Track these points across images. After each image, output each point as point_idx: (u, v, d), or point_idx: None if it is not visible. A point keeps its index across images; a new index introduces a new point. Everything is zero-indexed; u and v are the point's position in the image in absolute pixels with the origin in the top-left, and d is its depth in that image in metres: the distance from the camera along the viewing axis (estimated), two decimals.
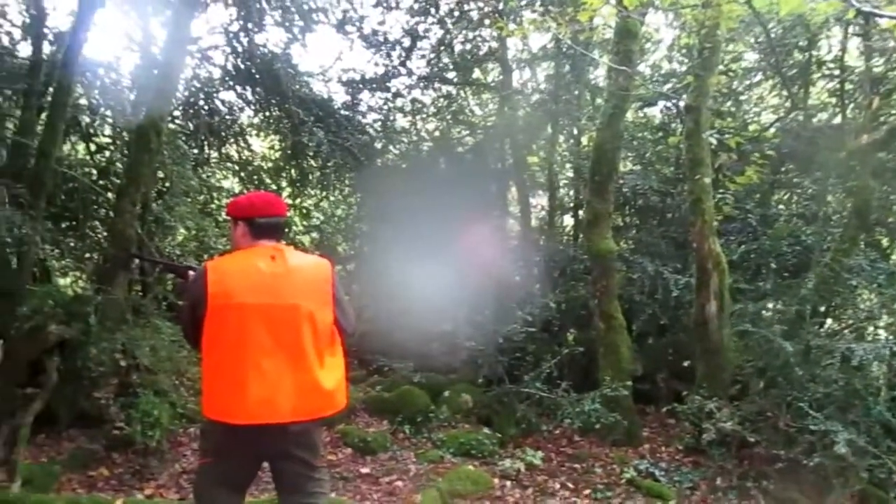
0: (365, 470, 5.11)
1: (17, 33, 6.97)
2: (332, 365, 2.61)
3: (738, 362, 5.72)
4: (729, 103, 8.42)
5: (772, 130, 8.10)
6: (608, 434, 5.82)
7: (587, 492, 4.94)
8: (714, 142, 6.28)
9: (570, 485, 5.08)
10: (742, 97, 8.65)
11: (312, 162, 9.24)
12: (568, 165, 9.83)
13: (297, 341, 2.48)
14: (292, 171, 9.50)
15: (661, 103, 8.52)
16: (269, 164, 9.86)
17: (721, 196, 6.31)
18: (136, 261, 5.64)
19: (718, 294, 5.69)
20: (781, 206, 8.06)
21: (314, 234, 10.11)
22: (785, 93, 7.96)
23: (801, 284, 5.85)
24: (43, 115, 5.88)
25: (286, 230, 2.61)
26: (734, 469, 5.03)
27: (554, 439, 6.09)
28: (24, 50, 6.84)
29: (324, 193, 9.94)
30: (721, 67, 7.07)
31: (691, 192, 5.93)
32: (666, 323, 6.82)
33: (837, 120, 7.52)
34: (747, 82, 8.63)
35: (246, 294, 2.46)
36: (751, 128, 7.95)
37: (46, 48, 6.59)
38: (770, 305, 6.24)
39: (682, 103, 6.50)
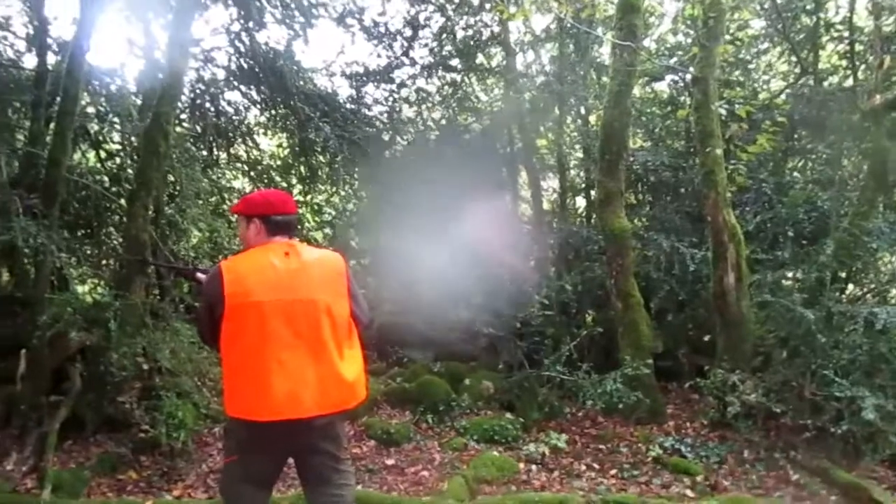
0: (390, 461, 5.12)
1: (22, 45, 7.03)
2: (352, 357, 2.62)
3: (759, 333, 5.66)
4: (737, 72, 8.32)
5: (782, 97, 8.00)
6: (632, 413, 5.79)
7: (613, 472, 4.92)
8: (724, 112, 6.21)
9: (596, 465, 5.06)
10: (750, 65, 8.54)
11: (321, 157, 9.24)
12: (577, 146, 9.76)
13: (317, 335, 2.49)
14: (301, 167, 9.52)
15: (669, 77, 8.43)
16: (278, 162, 9.88)
17: (733, 167, 6.23)
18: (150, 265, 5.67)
19: (736, 266, 5.64)
20: (796, 174, 7.96)
21: (327, 230, 10.12)
22: (794, 58, 7.85)
23: (819, 251, 5.77)
24: (51, 125, 5.92)
25: (298, 227, 2.62)
26: (761, 441, 4.99)
27: (577, 421, 6.07)
28: (30, 61, 6.89)
29: (334, 188, 9.92)
30: (727, 37, 6.98)
31: (703, 165, 5.87)
32: (684, 298, 6.76)
33: (849, 82, 7.40)
34: (755, 50, 8.51)
35: (263, 291, 2.46)
36: (761, 96, 7.86)
37: (51, 58, 6.64)
38: (789, 274, 6.17)
39: (689, 76, 6.41)
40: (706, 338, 6.12)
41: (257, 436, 2.49)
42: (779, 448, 4.88)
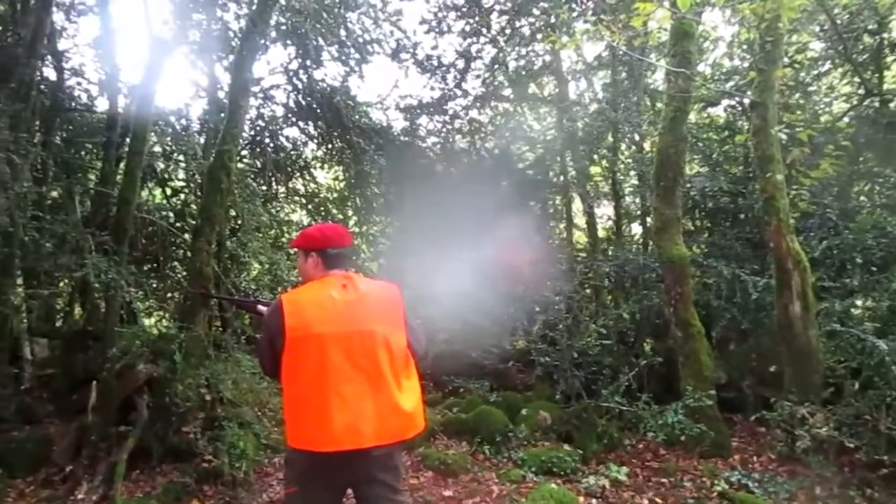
0: (447, 493, 5.08)
1: (95, 89, 7.40)
2: (409, 387, 2.62)
3: (828, 364, 5.45)
4: (797, 96, 8.14)
5: (845, 120, 7.77)
6: (695, 446, 5.62)
7: None
8: (784, 137, 6.07)
9: (659, 500, 4.91)
10: (811, 88, 8.35)
11: (375, 189, 9.40)
12: (632, 173, 9.68)
13: (375, 366, 2.51)
14: (357, 199, 9.69)
15: (725, 102, 8.32)
16: (334, 195, 10.09)
17: (796, 192, 6.07)
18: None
19: (801, 294, 5.46)
20: (863, 198, 7.69)
21: (381, 261, 10.24)
22: (857, 79, 7.64)
23: (891, 278, 5.56)
24: (121, 165, 6.19)
25: (354, 258, 2.68)
26: (834, 477, 4.77)
27: (638, 453, 5.92)
28: (102, 104, 7.25)
29: (388, 219, 10.06)
30: (786, 60, 6.86)
31: (764, 191, 5.74)
32: (747, 327, 6.57)
33: None
34: (815, 72, 8.33)
35: (322, 324, 2.50)
36: (822, 119, 7.66)
37: (121, 101, 6.97)
38: (858, 303, 5.96)
39: (746, 100, 6.31)
40: (772, 368, 5.92)
41: (317, 466, 2.52)
42: (853, 485, 4.67)
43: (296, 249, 2.91)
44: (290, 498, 2.73)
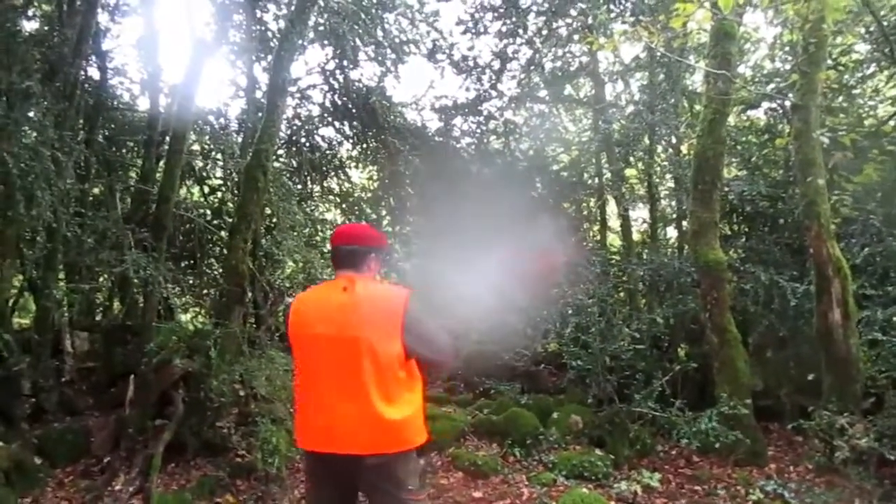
0: (477, 494, 5.08)
1: (137, 89, 7.56)
2: (401, 399, 2.49)
3: (869, 373, 5.31)
4: (840, 98, 7.95)
5: (891, 123, 7.56)
6: (729, 453, 5.53)
7: None
8: (826, 140, 5.94)
9: None
10: (855, 91, 8.14)
11: (409, 189, 9.44)
12: (668, 176, 9.55)
13: (356, 374, 2.42)
14: (391, 199, 9.74)
15: (765, 104, 8.16)
16: (368, 195, 10.15)
17: (837, 197, 5.93)
18: (249, 294, 5.90)
19: (842, 301, 5.34)
20: None
21: (414, 260, 10.27)
22: None
23: None
24: (161, 163, 6.30)
25: (363, 259, 2.56)
26: (874, 489, 4.64)
27: (671, 460, 5.85)
28: (143, 104, 7.40)
29: (422, 219, 10.09)
30: (829, 62, 6.70)
31: (804, 195, 5.62)
32: (785, 334, 6.45)
33: None
34: (859, 75, 8.11)
35: (317, 325, 2.49)
36: (867, 122, 7.46)
37: (162, 100, 7.10)
38: None
39: (788, 103, 6.18)
40: (810, 377, 5.80)
41: (316, 465, 2.57)
42: (895, 498, 4.54)
43: None
44: (307, 492, 2.80)
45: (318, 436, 2.46)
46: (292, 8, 6.39)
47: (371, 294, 2.55)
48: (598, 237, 10.37)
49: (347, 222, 9.58)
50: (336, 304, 2.49)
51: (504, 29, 9.53)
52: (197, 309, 7.49)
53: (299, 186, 8.70)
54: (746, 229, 8.29)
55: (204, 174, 7.70)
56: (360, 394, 2.41)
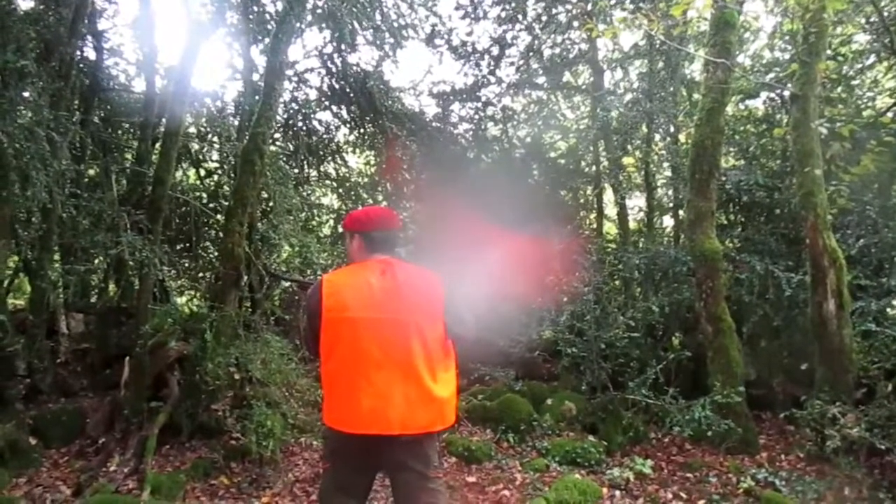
0: (471, 479, 5.11)
1: (133, 70, 7.50)
2: (444, 380, 2.61)
3: (862, 364, 5.35)
4: (839, 89, 7.93)
5: (889, 115, 7.56)
6: (721, 442, 5.56)
7: (701, 502, 4.73)
8: (824, 131, 5.93)
9: (683, 495, 4.88)
10: (854, 82, 8.12)
11: (406, 175, 9.41)
12: (665, 164, 9.55)
13: (407, 355, 2.50)
14: (387, 184, 9.71)
15: (764, 94, 8.15)
16: (365, 180, 10.12)
17: (835, 188, 5.94)
18: (245, 278, 5.89)
19: (837, 292, 5.36)
20: None
21: (411, 246, 10.26)
22: None
23: None
24: (157, 145, 6.27)
25: (397, 243, 2.65)
26: (864, 479, 4.69)
27: (663, 447, 5.89)
28: (139, 85, 7.34)
29: (418, 205, 10.08)
30: (829, 52, 6.68)
31: (801, 186, 5.62)
32: (779, 324, 6.47)
33: None
34: (859, 66, 8.10)
35: (357, 308, 2.51)
36: (865, 114, 7.46)
37: (158, 82, 7.05)
38: (895, 303, 5.81)
39: (786, 93, 6.17)
40: (803, 366, 5.84)
41: (346, 447, 2.57)
42: (884, 487, 4.58)
43: (344, 231, 2.92)
44: (325, 473, 2.83)
45: (366, 418, 2.45)
46: None
47: (413, 278, 2.64)
48: (595, 225, 10.37)
49: (344, 208, 9.58)
50: (379, 289, 2.55)
51: (503, 14, 9.48)
52: (192, 292, 7.48)
53: (296, 170, 8.67)
54: (743, 219, 8.30)
55: (200, 157, 7.66)
56: (414, 375, 2.50)
